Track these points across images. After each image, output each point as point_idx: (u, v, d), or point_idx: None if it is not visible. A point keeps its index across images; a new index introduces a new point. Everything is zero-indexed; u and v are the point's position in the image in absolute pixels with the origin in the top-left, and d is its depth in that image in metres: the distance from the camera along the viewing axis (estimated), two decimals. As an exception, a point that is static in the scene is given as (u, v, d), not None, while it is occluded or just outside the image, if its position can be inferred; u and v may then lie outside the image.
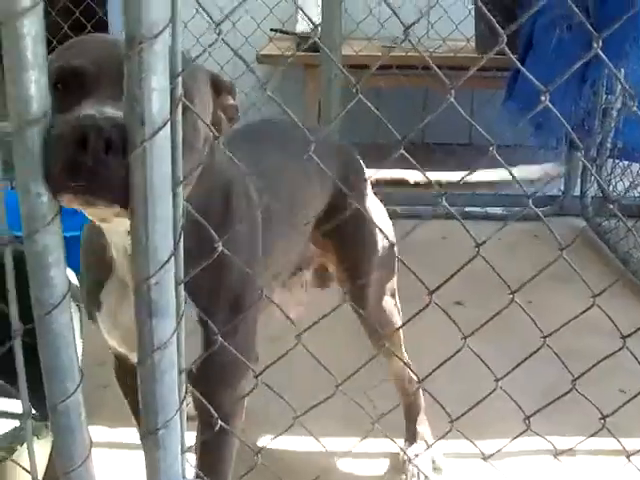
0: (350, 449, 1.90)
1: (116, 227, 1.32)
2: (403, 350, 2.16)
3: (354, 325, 1.94)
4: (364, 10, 4.41)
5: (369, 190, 2.10)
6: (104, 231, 1.41)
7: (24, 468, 1.32)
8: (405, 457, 2.17)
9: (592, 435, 1.38)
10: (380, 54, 4.17)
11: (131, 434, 1.30)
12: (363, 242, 2.01)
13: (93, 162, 1.07)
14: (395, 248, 2.02)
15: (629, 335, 1.31)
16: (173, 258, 1.13)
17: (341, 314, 1.37)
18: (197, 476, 1.34)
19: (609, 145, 4.06)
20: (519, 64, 1.32)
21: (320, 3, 3.75)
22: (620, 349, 1.32)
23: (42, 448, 1.75)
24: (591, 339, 2.43)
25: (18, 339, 1.17)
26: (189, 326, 1.31)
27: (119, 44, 1.19)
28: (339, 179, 1.87)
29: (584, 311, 1.29)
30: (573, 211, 4.26)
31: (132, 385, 1.30)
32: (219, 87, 1.47)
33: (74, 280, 1.76)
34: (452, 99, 1.14)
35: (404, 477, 2.12)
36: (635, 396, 1.41)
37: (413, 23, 1.11)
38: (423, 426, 2.25)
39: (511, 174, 1.38)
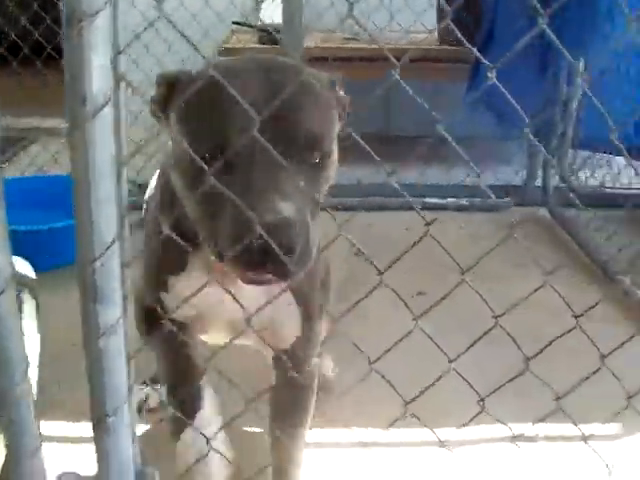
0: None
1: None
2: None
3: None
4: (326, 2, 4.39)
5: None
6: None
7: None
8: None
9: (547, 416, 1.38)
10: (342, 46, 4.17)
11: (85, 429, 1.27)
12: None
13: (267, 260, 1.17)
14: None
15: (581, 315, 1.31)
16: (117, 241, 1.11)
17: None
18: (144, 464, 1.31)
19: (570, 135, 4.06)
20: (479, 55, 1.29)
21: (281, -5, 3.72)
22: (572, 329, 1.32)
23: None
24: (553, 324, 2.43)
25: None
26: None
27: (278, 82, 1.25)
28: None
29: (536, 290, 1.29)
30: (535, 201, 4.26)
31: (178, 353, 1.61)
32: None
33: (31, 273, 1.73)
34: (397, 76, 1.11)
35: None
36: (587, 377, 1.41)
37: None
38: None
39: (473, 167, 1.37)
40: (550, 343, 1.34)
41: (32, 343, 1.58)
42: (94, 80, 1.01)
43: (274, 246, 1.14)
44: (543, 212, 4.18)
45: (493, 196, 1.38)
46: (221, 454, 1.57)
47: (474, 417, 1.40)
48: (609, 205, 3.83)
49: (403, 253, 1.25)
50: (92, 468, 1.26)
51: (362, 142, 1.18)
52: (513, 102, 1.26)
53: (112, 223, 1.09)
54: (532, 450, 2.09)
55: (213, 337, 1.78)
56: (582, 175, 4.23)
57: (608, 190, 4.15)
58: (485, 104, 3.86)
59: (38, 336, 1.82)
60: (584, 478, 2.01)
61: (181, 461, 1.62)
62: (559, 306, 1.46)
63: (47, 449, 1.28)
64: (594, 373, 1.39)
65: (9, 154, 4.67)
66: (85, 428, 1.26)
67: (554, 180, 4.29)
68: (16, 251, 1.15)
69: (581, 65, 3.86)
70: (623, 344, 1.42)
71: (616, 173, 4.03)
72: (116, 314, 1.13)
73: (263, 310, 1.30)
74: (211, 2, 4.24)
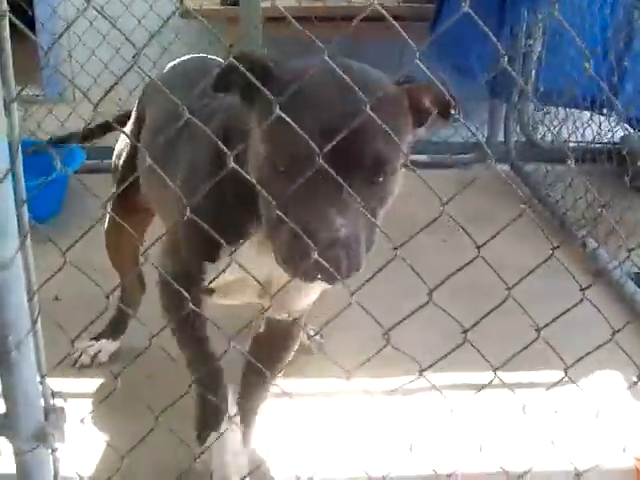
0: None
1: None
2: None
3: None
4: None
5: None
6: None
7: None
8: None
9: (497, 369, 1.40)
10: (300, 6, 4.16)
11: None
12: None
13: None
14: None
15: (532, 271, 1.32)
16: (10, 175, 1.12)
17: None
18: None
19: (530, 89, 4.07)
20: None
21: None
22: (517, 282, 1.33)
23: None
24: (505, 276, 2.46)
25: None
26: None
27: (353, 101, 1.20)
28: None
29: (484, 243, 1.29)
30: (497, 156, 4.28)
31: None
32: (418, 99, 1.44)
33: None
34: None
35: None
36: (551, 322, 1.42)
37: None
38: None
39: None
40: (504, 301, 1.34)
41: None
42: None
43: (325, 264, 1.22)
44: (504, 167, 4.20)
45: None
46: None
47: (424, 369, 1.40)
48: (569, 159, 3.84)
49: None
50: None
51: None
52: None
53: (2, 157, 1.10)
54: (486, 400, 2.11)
55: (231, 300, 1.84)
56: (541, 130, 4.23)
57: (571, 144, 4.15)
58: (445, 60, 3.86)
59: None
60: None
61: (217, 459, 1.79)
62: (511, 256, 1.47)
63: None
64: (568, 310, 1.38)
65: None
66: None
67: (515, 135, 4.32)
68: None
69: (539, 18, 3.89)
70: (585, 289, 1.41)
71: (575, 127, 4.02)
72: (12, 248, 1.15)
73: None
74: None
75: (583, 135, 4.01)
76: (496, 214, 3.40)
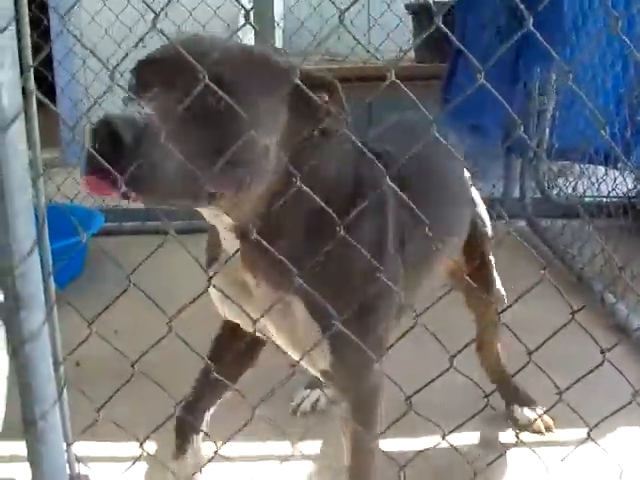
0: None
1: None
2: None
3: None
4: (298, 25, 4.46)
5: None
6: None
7: None
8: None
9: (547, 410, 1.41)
10: (314, 67, 4.22)
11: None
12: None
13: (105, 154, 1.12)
14: None
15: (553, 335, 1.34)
16: (37, 249, 1.15)
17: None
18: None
19: (545, 146, 4.11)
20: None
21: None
22: (537, 348, 1.35)
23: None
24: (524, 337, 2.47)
25: None
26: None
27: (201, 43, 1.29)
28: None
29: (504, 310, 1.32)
30: (514, 213, 4.30)
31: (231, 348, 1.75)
32: (310, 84, 1.33)
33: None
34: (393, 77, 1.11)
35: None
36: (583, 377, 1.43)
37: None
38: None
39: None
40: (544, 342, 1.37)
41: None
42: (3, 96, 1.06)
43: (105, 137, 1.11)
44: (521, 223, 4.22)
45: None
46: None
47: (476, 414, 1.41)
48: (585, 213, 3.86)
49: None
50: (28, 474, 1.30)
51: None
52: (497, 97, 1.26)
53: (30, 231, 1.13)
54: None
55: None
56: (558, 186, 4.26)
57: (587, 199, 4.17)
58: (459, 118, 3.90)
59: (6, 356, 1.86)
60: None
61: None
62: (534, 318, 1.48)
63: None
64: (589, 372, 1.39)
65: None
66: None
67: (531, 191, 4.34)
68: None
69: (553, 77, 3.93)
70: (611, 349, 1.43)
71: (591, 183, 4.05)
72: (39, 320, 1.17)
73: (279, 319, 1.51)
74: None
75: (599, 190, 4.03)
76: (514, 270, 3.41)
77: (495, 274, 2.34)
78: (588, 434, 1.47)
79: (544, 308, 2.43)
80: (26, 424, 1.23)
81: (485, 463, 2.03)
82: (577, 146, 3.74)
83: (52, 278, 1.20)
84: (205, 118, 1.23)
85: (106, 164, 1.09)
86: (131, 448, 1.38)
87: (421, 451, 1.51)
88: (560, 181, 4.25)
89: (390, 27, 4.40)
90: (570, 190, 4.21)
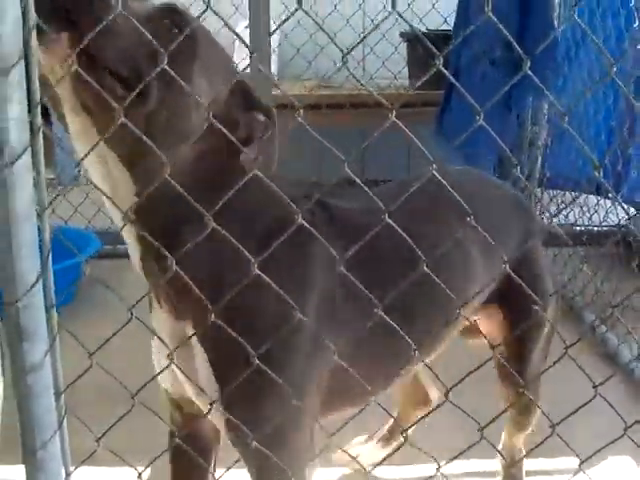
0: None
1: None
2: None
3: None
4: (293, 50, 4.49)
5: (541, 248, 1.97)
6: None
7: None
8: None
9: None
10: (312, 93, 4.26)
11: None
12: (535, 313, 1.75)
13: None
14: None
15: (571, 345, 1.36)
16: (41, 281, 1.17)
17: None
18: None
19: (537, 175, 4.15)
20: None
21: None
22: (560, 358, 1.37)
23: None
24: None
25: None
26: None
27: None
28: (520, 244, 1.79)
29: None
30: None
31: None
32: (250, 100, 1.35)
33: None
34: (393, 117, 1.13)
35: None
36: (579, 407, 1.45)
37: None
38: None
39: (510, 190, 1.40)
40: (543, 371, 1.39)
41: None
42: (11, 131, 1.08)
43: None
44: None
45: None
46: None
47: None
48: (577, 242, 3.90)
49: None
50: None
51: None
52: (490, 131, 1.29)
53: (34, 264, 1.15)
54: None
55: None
56: (548, 214, 4.29)
57: (578, 228, 4.21)
58: (452, 145, 3.94)
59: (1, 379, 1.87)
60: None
61: None
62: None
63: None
64: (582, 406, 1.40)
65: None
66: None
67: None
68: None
69: (545, 106, 3.98)
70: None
71: (582, 212, 4.08)
72: (41, 351, 1.19)
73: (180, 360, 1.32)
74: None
75: (590, 219, 4.07)
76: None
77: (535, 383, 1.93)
78: (579, 465, 1.49)
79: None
80: (26, 453, 1.24)
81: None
82: (569, 175, 3.79)
83: (54, 310, 1.22)
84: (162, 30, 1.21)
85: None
86: (128, 475, 1.39)
87: None
88: (552, 209, 4.28)
89: (385, 54, 4.45)
90: (549, 218, 4.25)
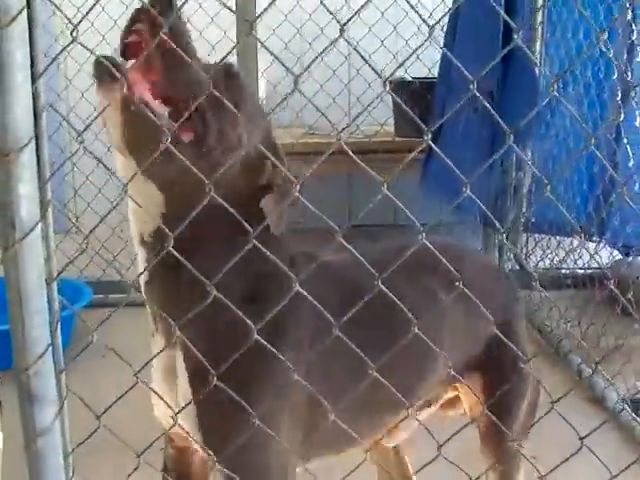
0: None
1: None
2: None
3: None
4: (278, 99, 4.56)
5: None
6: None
7: None
8: None
9: None
10: (295, 142, 4.33)
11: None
12: (517, 382, 1.79)
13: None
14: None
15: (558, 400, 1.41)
16: (51, 348, 1.22)
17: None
18: None
19: (522, 220, 4.22)
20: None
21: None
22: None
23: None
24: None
25: None
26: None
27: None
28: (503, 316, 1.79)
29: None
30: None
31: None
32: (275, 154, 1.43)
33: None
34: (385, 190, 1.22)
35: None
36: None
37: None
38: None
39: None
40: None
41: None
42: (22, 208, 1.14)
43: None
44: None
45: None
46: None
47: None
48: (562, 285, 3.96)
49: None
50: None
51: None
52: (471, 195, 1.34)
53: (44, 333, 1.20)
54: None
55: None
56: (534, 258, 4.35)
57: (563, 271, 4.27)
58: (439, 193, 4.00)
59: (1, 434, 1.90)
60: None
61: None
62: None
63: None
64: (570, 457, 1.44)
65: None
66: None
67: (509, 264, 4.44)
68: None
69: (529, 153, 4.06)
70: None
71: (565, 254, 4.15)
72: (51, 415, 1.24)
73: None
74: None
75: (576, 262, 4.14)
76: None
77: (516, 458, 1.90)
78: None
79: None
80: (36, 514, 1.28)
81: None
82: (553, 220, 3.86)
83: (64, 375, 1.27)
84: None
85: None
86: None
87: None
88: (539, 253, 4.34)
89: (365, 100, 4.54)
90: (547, 262, 4.31)
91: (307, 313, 1.43)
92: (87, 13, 1.24)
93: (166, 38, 1.15)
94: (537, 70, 3.81)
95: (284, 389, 1.44)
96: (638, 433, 2.85)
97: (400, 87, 4.33)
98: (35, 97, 1.15)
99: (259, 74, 3.78)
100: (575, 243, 4.10)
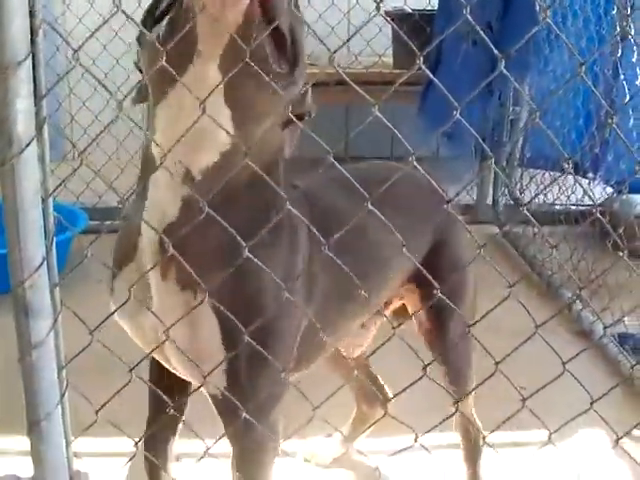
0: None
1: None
2: (471, 399, 2.11)
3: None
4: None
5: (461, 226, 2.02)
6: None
7: None
8: None
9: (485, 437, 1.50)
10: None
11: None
12: (453, 289, 1.88)
13: None
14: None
15: (517, 348, 1.44)
16: (46, 262, 1.24)
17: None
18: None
19: (518, 154, 4.23)
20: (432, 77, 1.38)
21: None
22: (505, 357, 1.46)
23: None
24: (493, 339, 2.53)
25: None
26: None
27: None
28: (441, 226, 1.94)
29: (490, 310, 1.41)
30: (486, 219, 4.42)
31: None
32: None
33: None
34: (377, 112, 1.21)
35: None
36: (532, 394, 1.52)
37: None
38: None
39: (430, 180, 1.45)
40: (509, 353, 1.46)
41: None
42: (18, 123, 1.15)
43: None
44: (493, 229, 4.34)
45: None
46: None
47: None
48: (556, 221, 3.98)
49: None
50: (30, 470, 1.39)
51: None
52: (465, 123, 1.35)
53: (39, 247, 1.23)
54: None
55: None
56: (529, 193, 4.37)
57: (557, 207, 4.29)
58: (436, 125, 4.00)
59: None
60: None
61: None
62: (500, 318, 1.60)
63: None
64: (551, 382, 1.47)
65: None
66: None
67: (504, 198, 4.46)
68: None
69: (526, 87, 4.05)
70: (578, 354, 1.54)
71: (561, 191, 4.16)
72: (46, 328, 1.27)
73: (183, 330, 1.36)
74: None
75: (569, 198, 4.15)
76: (488, 274, 3.52)
77: (464, 357, 2.04)
78: (549, 437, 1.57)
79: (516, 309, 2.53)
80: (30, 424, 1.32)
81: (452, 462, 2.16)
82: (549, 155, 3.86)
83: (58, 290, 1.30)
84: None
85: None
86: (126, 445, 1.47)
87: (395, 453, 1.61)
88: (532, 188, 4.36)
89: (370, 34, 4.50)
90: (541, 198, 4.32)
91: (302, 234, 1.51)
92: None
93: None
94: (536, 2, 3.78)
95: (293, 308, 1.47)
96: (624, 367, 2.90)
97: (400, 19, 4.30)
98: (32, 15, 1.15)
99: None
100: (570, 180, 4.11)
